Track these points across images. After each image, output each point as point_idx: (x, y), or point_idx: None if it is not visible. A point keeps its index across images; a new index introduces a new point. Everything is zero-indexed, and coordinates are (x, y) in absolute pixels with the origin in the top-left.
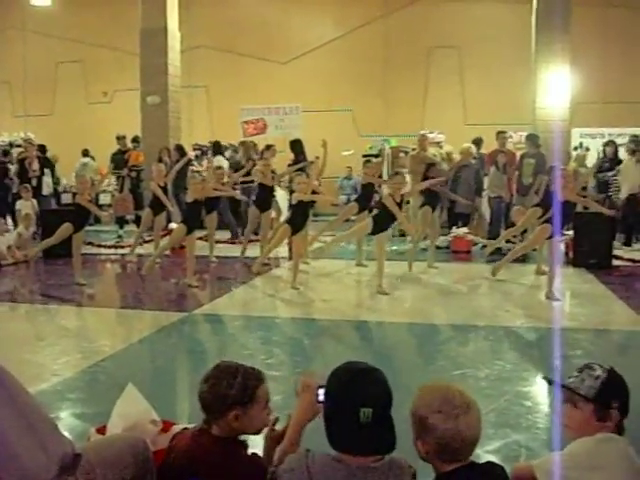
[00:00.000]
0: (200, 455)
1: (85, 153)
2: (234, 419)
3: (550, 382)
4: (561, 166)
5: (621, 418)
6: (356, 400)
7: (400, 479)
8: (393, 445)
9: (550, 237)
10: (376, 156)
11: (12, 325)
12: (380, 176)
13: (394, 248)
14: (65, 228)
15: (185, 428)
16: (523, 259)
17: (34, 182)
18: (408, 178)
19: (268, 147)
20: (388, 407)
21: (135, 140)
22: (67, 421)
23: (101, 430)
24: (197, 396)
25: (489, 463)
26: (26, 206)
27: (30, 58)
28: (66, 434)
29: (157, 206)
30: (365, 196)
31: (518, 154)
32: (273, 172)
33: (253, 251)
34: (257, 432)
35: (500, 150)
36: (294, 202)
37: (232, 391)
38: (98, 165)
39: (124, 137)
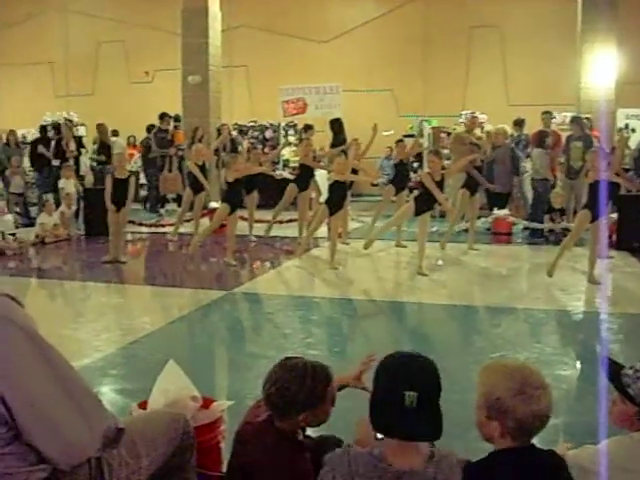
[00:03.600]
0: (263, 451)
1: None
2: (302, 420)
3: (615, 365)
4: (601, 147)
5: None
6: (401, 383)
7: (449, 478)
8: (439, 433)
9: (593, 220)
10: (413, 136)
11: (55, 301)
12: (420, 156)
13: (434, 229)
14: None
15: (247, 423)
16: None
17: (71, 162)
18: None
19: (308, 127)
20: (435, 395)
21: (176, 119)
22: (109, 396)
23: (142, 405)
24: (264, 395)
25: (551, 451)
26: (69, 185)
27: (71, 38)
28: (108, 409)
29: (197, 186)
30: (399, 176)
31: (563, 135)
32: (313, 152)
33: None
34: (320, 424)
35: (545, 131)
36: (330, 182)
37: (301, 396)
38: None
39: (167, 116)
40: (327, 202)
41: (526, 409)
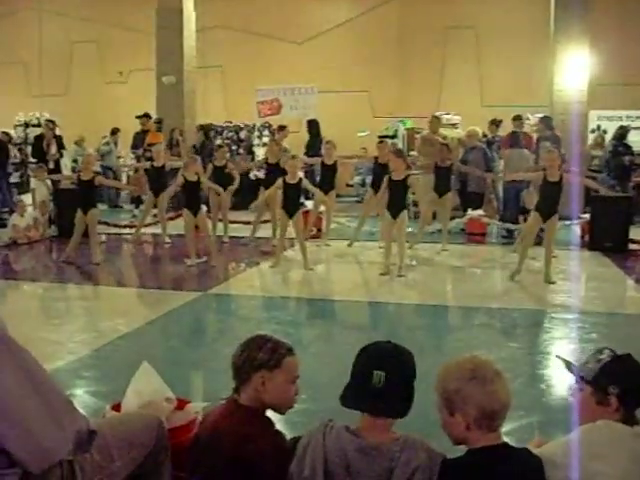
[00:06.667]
0: (226, 423)
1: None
2: (260, 384)
3: (565, 362)
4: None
5: (630, 407)
6: (372, 363)
7: (412, 458)
8: (404, 412)
9: (544, 220)
10: (392, 137)
11: (28, 303)
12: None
13: (409, 230)
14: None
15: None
16: (539, 242)
17: (51, 164)
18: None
19: (281, 128)
20: (406, 378)
21: (158, 121)
22: (82, 399)
23: (116, 408)
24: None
25: (525, 449)
26: (41, 186)
27: (45, 38)
28: (81, 411)
29: (156, 187)
30: (377, 180)
31: (534, 136)
32: (286, 151)
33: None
34: (282, 408)
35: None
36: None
37: (260, 354)
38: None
39: (145, 116)
40: (283, 207)
41: (483, 390)
